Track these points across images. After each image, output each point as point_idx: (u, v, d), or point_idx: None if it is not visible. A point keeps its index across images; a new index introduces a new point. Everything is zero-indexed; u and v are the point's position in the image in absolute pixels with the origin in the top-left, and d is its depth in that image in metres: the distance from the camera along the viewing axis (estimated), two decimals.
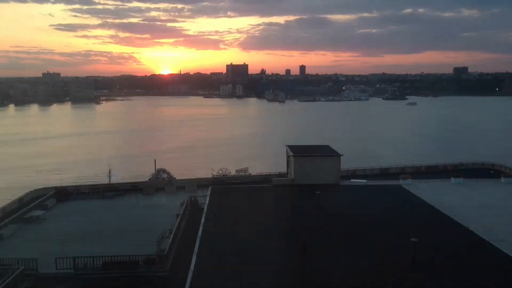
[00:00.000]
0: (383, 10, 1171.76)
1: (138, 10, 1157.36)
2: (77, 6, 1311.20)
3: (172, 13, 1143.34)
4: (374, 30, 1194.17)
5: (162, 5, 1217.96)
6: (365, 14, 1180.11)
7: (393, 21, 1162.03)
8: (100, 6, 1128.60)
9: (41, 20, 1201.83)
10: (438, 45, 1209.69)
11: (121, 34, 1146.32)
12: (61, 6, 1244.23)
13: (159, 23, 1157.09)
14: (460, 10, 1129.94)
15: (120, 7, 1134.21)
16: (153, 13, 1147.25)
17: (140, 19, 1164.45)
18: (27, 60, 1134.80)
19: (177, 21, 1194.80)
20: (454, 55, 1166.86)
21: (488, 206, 47.97)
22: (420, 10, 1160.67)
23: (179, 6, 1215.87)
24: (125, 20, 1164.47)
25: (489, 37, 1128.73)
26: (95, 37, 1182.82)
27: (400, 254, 33.92)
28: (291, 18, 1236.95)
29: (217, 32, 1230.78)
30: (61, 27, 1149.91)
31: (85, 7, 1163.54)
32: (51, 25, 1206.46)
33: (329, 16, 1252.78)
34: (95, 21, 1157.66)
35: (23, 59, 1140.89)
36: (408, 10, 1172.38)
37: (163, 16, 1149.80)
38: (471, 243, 36.48)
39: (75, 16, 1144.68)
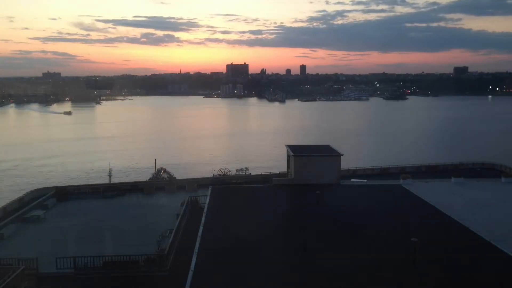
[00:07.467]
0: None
1: (139, 9, 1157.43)
2: (77, 6, 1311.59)
3: (172, 13, 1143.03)
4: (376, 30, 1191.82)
5: (163, 4, 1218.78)
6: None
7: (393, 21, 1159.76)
8: (100, 5, 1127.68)
9: (42, 20, 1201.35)
10: (439, 44, 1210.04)
11: (121, 34, 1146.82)
12: (62, 6, 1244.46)
13: (159, 22, 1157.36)
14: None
15: (121, 6, 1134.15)
16: (154, 13, 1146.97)
17: (140, 18, 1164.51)
18: (27, 60, 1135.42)
19: (177, 20, 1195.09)
20: (454, 54, 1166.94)
21: (488, 206, 47.85)
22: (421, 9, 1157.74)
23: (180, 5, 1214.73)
24: (125, 20, 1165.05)
25: (490, 36, 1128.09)
26: (95, 37, 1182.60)
27: (400, 254, 33.92)
28: (292, 17, 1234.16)
29: (217, 30, 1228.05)
30: (61, 27, 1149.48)
31: (86, 7, 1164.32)
32: (51, 25, 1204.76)
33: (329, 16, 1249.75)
34: (96, 21, 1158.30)
35: (23, 59, 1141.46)
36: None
37: (163, 15, 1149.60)
38: (471, 243, 36.47)
39: (75, 16, 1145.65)
